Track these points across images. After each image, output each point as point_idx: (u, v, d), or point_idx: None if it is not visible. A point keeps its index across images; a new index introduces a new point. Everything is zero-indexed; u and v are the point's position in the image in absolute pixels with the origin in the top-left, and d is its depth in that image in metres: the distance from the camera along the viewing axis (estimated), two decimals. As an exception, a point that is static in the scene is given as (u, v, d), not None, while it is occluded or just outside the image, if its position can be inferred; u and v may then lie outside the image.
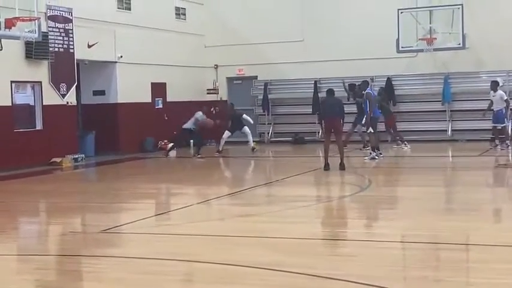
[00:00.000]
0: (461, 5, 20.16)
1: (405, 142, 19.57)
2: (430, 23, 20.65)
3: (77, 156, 18.69)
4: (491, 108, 18.81)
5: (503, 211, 10.68)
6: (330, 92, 16.28)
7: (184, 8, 24.19)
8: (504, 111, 18.72)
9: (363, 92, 17.23)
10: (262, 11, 24.14)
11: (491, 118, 18.99)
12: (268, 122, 24.37)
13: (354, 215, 10.78)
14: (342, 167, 15.15)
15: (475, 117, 20.60)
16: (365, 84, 17.43)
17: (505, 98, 18.79)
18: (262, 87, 24.18)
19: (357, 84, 19.09)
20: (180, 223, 10.12)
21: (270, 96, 24.13)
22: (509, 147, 18.44)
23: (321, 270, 6.96)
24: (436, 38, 20.48)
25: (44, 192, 14.06)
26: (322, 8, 23.53)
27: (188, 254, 7.96)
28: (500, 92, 18.79)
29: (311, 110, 23.29)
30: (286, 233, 9.09)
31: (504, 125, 18.88)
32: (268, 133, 24.31)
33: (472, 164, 16.50)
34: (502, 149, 18.40)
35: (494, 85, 18.80)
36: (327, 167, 15.23)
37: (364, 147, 19.22)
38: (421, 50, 21.02)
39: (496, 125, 18.93)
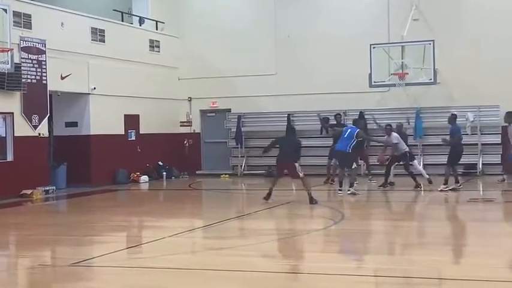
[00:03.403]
0: (433, 41, 20.45)
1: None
2: (402, 59, 20.81)
3: (48, 188, 18.47)
4: None
5: (474, 246, 10.69)
6: (290, 130, 16.31)
7: (159, 41, 24.24)
8: None
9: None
10: (236, 45, 24.27)
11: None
12: (241, 155, 24.35)
13: (327, 249, 10.72)
14: (311, 201, 15.06)
15: (446, 151, 20.74)
16: (356, 121, 17.77)
17: None
18: (236, 120, 24.22)
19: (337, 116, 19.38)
20: (151, 256, 10.00)
21: (243, 129, 24.15)
22: None
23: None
24: (407, 73, 20.62)
25: (13, 224, 13.82)
26: (295, 42, 23.72)
27: (159, 287, 7.86)
28: None
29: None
30: (257, 266, 9.03)
31: None
32: (241, 166, 24.28)
33: (444, 198, 16.59)
34: None
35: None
36: (267, 196, 15.40)
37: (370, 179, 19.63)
38: (393, 85, 21.21)
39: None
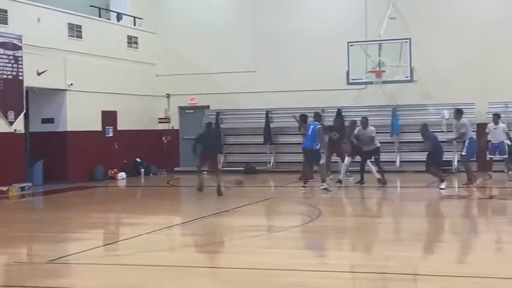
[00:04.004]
0: (409, 39, 20.60)
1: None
2: (379, 56, 20.98)
3: (24, 185, 18.36)
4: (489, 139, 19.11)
5: (449, 241, 10.81)
6: (208, 125, 17.03)
7: (137, 37, 24.16)
8: (510, 143, 19.12)
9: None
10: (214, 41, 24.27)
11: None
12: (220, 152, 24.33)
13: (304, 245, 10.77)
14: (219, 192, 16.02)
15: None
16: (317, 117, 17.63)
17: (507, 130, 19.12)
18: (214, 116, 24.21)
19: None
20: (129, 253, 9.99)
21: (221, 125, 24.15)
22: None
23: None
24: (384, 71, 20.81)
25: (-11, 221, 13.77)
26: (274, 39, 23.76)
27: (137, 284, 7.87)
28: (502, 124, 19.09)
29: (262, 139, 23.47)
30: (235, 263, 9.05)
31: (505, 156, 19.11)
32: (220, 162, 24.25)
33: (420, 195, 16.72)
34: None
35: (496, 118, 19.15)
36: (201, 188, 16.64)
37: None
38: (370, 83, 21.35)
39: (493, 156, 19.21)
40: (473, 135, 18.21)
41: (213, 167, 17.00)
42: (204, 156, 16.59)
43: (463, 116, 17.87)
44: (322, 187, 16.81)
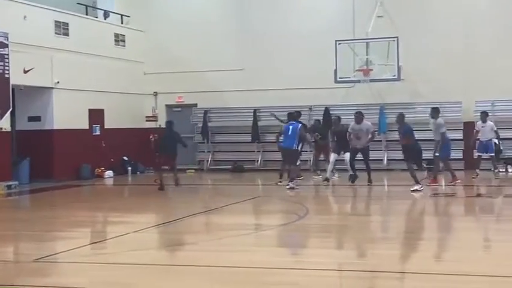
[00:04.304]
0: (397, 37, 20.62)
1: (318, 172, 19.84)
2: (367, 55, 21.00)
3: (10, 183, 18.30)
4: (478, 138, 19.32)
5: (435, 240, 10.85)
6: (168, 124, 17.80)
7: (124, 35, 24.11)
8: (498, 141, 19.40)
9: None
10: (202, 39, 24.26)
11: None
12: (207, 150, 24.38)
13: (292, 243, 10.80)
14: (176, 183, 17.81)
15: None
16: (292, 117, 17.76)
17: (495, 128, 19.25)
18: (202, 115, 24.22)
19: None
20: (116, 252, 10.00)
21: (209, 124, 24.16)
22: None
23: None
24: (372, 70, 20.82)
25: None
26: (262, 37, 23.81)
27: (124, 283, 7.87)
28: (490, 122, 19.24)
29: (250, 138, 23.49)
30: (223, 261, 9.07)
31: (493, 154, 19.34)
32: (207, 161, 24.30)
33: (407, 193, 16.79)
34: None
35: (484, 116, 19.28)
36: (161, 187, 17.51)
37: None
38: (358, 81, 21.36)
39: (482, 154, 19.37)
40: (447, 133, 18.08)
41: (170, 165, 18.04)
42: (162, 155, 17.79)
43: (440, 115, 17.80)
44: (288, 186, 16.93)
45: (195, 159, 24.54)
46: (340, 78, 21.15)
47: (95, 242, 11.03)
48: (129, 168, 23.10)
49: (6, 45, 18.54)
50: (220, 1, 24.86)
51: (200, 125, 24.33)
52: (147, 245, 10.61)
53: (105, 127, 22.73)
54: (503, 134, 20.56)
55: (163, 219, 13.37)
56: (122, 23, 24.58)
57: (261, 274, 8.41)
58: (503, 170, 20.68)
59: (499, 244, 10.20)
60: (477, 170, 19.45)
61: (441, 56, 22.14)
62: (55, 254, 9.77)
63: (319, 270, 8.44)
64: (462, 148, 21.59)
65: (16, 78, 18.95)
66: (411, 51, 21.52)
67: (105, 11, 24.10)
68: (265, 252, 9.97)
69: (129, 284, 7.85)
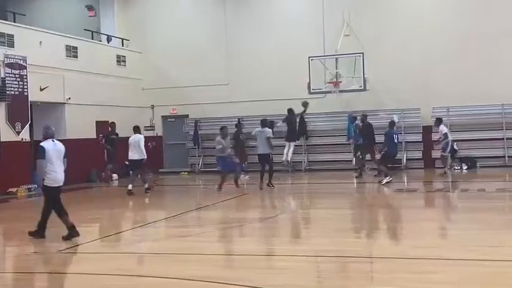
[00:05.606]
0: (362, 53, 20.60)
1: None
2: (336, 69, 20.94)
3: (30, 186, 18.49)
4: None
5: (402, 229, 11.04)
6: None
7: (125, 56, 24.36)
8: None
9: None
10: (192, 59, 24.46)
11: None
12: (198, 155, 24.61)
13: (278, 234, 10.85)
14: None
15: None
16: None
17: (444, 131, 19.35)
18: (193, 124, 24.45)
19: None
20: (122, 244, 10.24)
21: (200, 132, 24.39)
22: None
23: (256, 282, 7.04)
24: (341, 82, 20.74)
25: (3, 218, 13.92)
26: (245, 55, 23.99)
27: (134, 269, 8.11)
28: (442, 127, 19.42)
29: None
30: (220, 250, 9.25)
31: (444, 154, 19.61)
32: (199, 164, 24.55)
33: (375, 189, 16.96)
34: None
35: (438, 122, 19.56)
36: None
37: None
38: (329, 92, 21.37)
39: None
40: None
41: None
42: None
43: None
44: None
45: (187, 162, 24.83)
46: (313, 89, 21.11)
47: (105, 236, 11.12)
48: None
49: (25, 67, 18.78)
50: (207, 25, 24.90)
51: (191, 133, 24.52)
52: (149, 238, 10.75)
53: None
54: (458, 136, 20.72)
55: (162, 216, 13.40)
56: (122, 45, 24.78)
57: (253, 260, 8.52)
58: (458, 168, 20.94)
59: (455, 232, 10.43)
60: (445, 169, 19.51)
61: (401, 68, 22.22)
62: (75, 245, 9.96)
63: (303, 256, 8.55)
64: (421, 149, 21.93)
65: (33, 95, 19.17)
66: (375, 65, 21.45)
67: (108, 35, 24.31)
68: (254, 241, 10.03)
69: (140, 270, 8.10)
